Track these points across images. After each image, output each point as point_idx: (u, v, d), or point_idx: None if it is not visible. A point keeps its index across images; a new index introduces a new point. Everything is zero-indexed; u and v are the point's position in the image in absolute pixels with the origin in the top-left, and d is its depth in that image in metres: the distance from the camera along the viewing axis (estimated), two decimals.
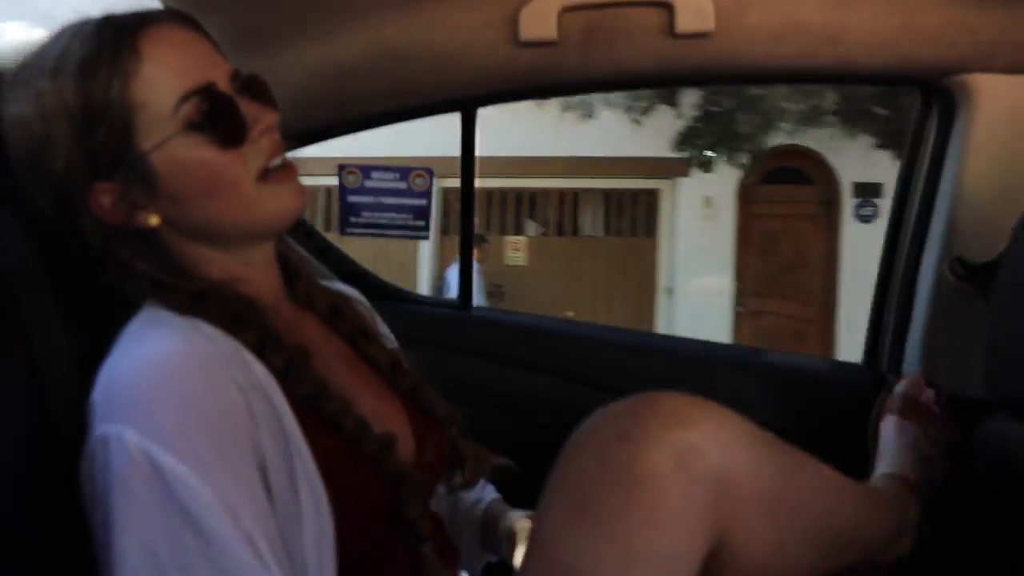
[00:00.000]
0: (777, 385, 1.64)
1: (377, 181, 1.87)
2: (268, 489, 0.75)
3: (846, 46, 1.34)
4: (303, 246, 1.84)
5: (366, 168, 1.87)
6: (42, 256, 0.85)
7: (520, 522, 1.14)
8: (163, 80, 0.78)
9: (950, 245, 1.42)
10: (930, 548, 1.17)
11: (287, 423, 0.78)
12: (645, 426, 0.84)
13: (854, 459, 1.56)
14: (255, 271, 0.90)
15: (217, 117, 0.79)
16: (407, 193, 1.88)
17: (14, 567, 0.74)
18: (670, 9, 1.27)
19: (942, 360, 1.44)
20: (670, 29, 1.30)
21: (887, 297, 1.59)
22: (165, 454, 0.68)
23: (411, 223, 1.90)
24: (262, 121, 0.83)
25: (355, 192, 1.89)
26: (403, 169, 1.87)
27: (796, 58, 1.40)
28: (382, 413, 0.95)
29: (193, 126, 0.79)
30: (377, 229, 1.89)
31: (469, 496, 1.18)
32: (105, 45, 0.76)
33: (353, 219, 1.90)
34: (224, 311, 0.81)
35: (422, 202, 1.87)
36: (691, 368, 1.69)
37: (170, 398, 0.71)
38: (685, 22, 1.28)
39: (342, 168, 1.86)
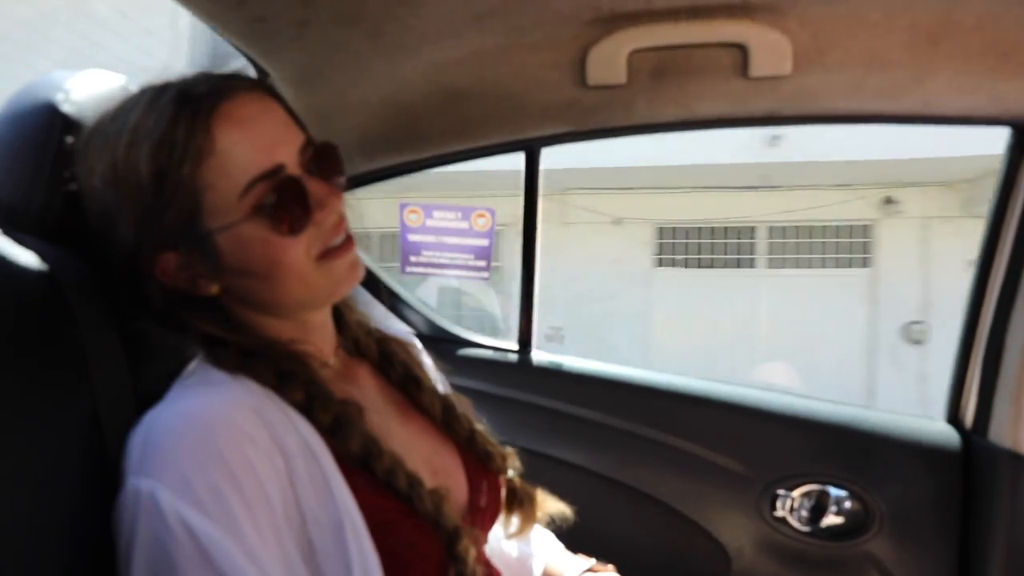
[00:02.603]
0: (854, 442, 1.56)
1: (439, 220, 1.86)
2: (313, 550, 0.75)
3: (933, 86, 1.29)
4: (365, 288, 1.84)
5: (428, 207, 1.87)
6: (112, 303, 0.86)
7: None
8: (233, 164, 0.78)
9: None
10: None
11: (334, 484, 0.78)
12: None
13: (940, 523, 1.48)
14: (310, 332, 0.91)
15: (284, 203, 0.80)
16: (468, 233, 1.87)
17: None
18: (744, 51, 1.23)
19: None
20: (744, 71, 1.26)
21: (972, 353, 1.50)
22: (198, 515, 0.69)
23: (472, 263, 1.88)
24: (327, 205, 0.83)
25: (416, 231, 1.88)
26: (465, 209, 1.86)
27: (878, 99, 1.35)
28: (435, 461, 0.95)
29: (259, 211, 0.79)
30: (437, 269, 1.88)
31: (527, 543, 1.15)
32: (180, 124, 0.76)
33: (413, 258, 1.89)
34: (271, 370, 0.82)
35: (483, 242, 1.86)
36: (757, 421, 1.63)
37: (205, 459, 0.71)
38: (760, 65, 1.23)
39: (403, 207, 1.86)
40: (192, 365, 0.86)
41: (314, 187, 0.82)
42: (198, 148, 0.76)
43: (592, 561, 1.14)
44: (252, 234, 0.80)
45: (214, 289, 0.83)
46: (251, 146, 0.79)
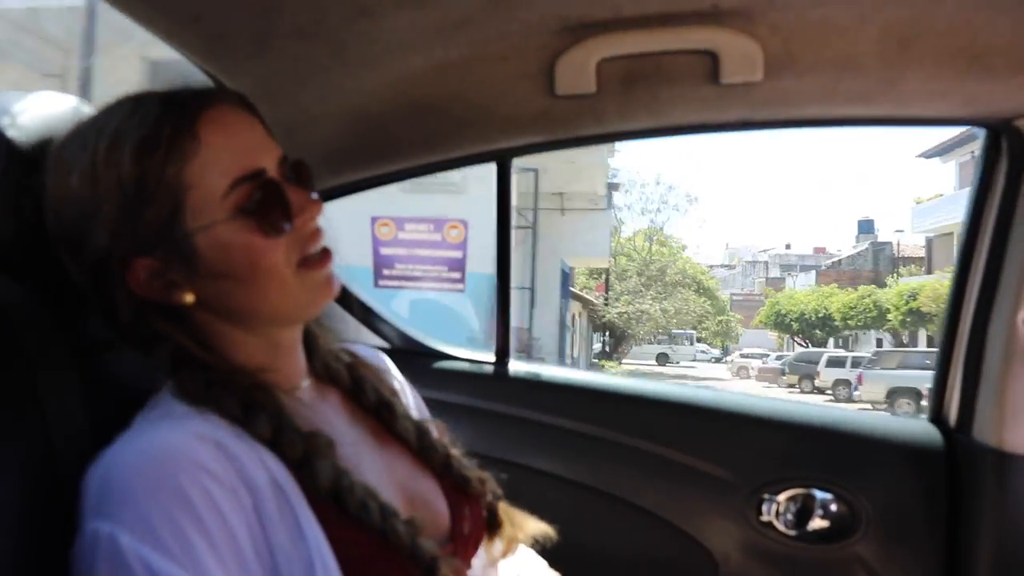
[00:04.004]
0: (838, 444, 1.56)
1: (411, 233, 1.84)
2: None
3: (906, 89, 1.28)
4: (337, 303, 1.80)
5: (400, 220, 1.84)
6: (67, 335, 0.83)
7: None
8: (217, 165, 0.79)
9: (1023, 297, 1.33)
10: None
11: (304, 520, 0.76)
12: None
13: (927, 522, 1.47)
14: (281, 354, 0.89)
15: (266, 205, 0.81)
16: (441, 245, 1.84)
17: None
18: (715, 58, 1.21)
19: (1017, 423, 1.35)
20: (715, 77, 1.24)
21: (953, 352, 1.50)
22: (161, 558, 0.67)
23: (446, 275, 1.86)
24: (307, 210, 0.85)
25: (388, 244, 1.85)
26: (438, 221, 1.84)
27: (851, 103, 1.34)
28: (412, 489, 0.93)
29: (241, 212, 0.80)
30: (411, 282, 1.85)
31: (510, 566, 1.12)
32: (165, 125, 0.77)
33: (387, 271, 1.87)
34: (237, 402, 0.80)
35: (457, 254, 1.84)
36: (740, 426, 1.62)
37: (167, 498, 0.69)
38: (732, 71, 1.22)
39: (375, 220, 1.83)
40: (154, 398, 0.83)
41: (293, 194, 0.84)
42: (183, 148, 0.77)
43: None
44: (232, 236, 0.80)
45: (188, 298, 0.82)
46: (234, 149, 0.81)
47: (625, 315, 27.81)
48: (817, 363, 22.23)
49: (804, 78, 1.27)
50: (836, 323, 29.48)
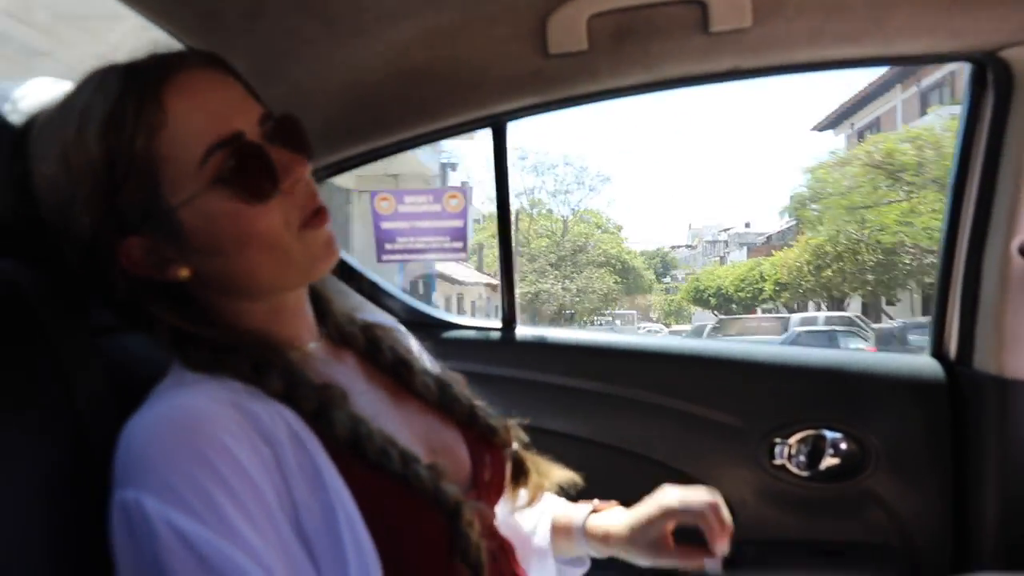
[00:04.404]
0: (843, 384, 1.57)
1: (410, 205, 1.85)
2: (307, 540, 0.72)
3: (892, 26, 1.28)
4: (339, 278, 1.81)
5: (399, 193, 1.85)
6: (79, 313, 0.82)
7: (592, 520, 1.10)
8: (188, 133, 0.75)
9: (1016, 227, 1.35)
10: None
11: (325, 471, 0.75)
12: None
13: (934, 454, 1.50)
14: (286, 318, 0.87)
15: (245, 170, 0.77)
16: (442, 215, 1.85)
17: None
18: (703, 6, 1.21)
19: (1016, 350, 1.37)
20: (704, 26, 1.24)
21: (950, 286, 1.52)
22: (189, 520, 0.66)
23: (448, 245, 1.87)
24: (294, 171, 0.80)
25: (389, 218, 1.86)
26: (437, 191, 1.84)
27: (839, 44, 1.34)
28: (434, 439, 0.92)
29: (221, 180, 0.76)
30: (414, 254, 1.86)
31: (534, 513, 1.14)
32: (129, 99, 0.74)
33: (389, 246, 1.88)
34: (246, 362, 0.79)
35: (458, 223, 1.84)
36: (746, 374, 1.64)
37: (186, 460, 0.68)
38: (721, 18, 1.22)
39: (374, 195, 1.84)
40: (169, 371, 0.82)
41: (277, 154, 0.79)
42: (149, 121, 0.74)
43: (595, 502, 1.14)
44: (217, 206, 0.76)
45: (183, 273, 0.79)
46: (206, 115, 0.76)
47: (528, 295, 28.16)
48: (702, 334, 22.60)
49: (793, 22, 1.27)
50: (731, 296, 29.74)
